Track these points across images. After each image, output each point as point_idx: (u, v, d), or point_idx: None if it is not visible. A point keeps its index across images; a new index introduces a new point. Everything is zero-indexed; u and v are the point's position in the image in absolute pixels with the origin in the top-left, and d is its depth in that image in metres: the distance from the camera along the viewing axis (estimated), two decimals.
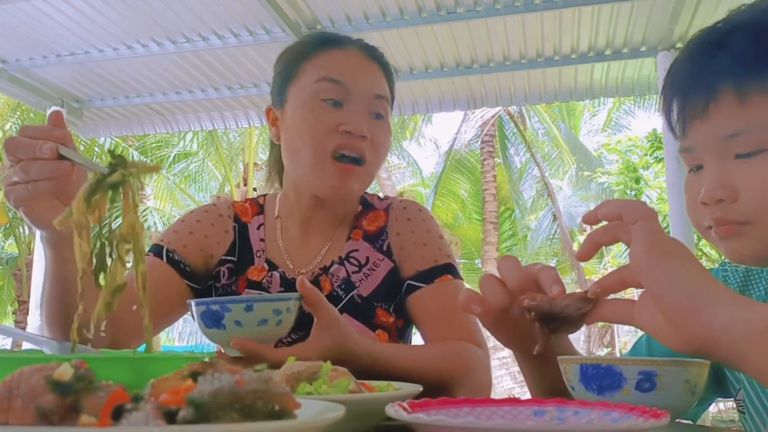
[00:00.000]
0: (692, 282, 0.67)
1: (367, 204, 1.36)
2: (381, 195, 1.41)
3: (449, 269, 1.27)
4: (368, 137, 1.20)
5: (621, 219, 0.71)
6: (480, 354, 1.19)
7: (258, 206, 1.37)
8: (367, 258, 1.29)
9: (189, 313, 1.03)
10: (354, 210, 1.34)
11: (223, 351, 1.01)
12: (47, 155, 0.85)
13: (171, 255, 1.25)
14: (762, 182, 0.80)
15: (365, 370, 1.01)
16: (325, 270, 1.27)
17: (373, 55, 1.30)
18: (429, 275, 1.25)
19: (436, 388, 1.09)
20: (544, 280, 0.78)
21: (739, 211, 0.82)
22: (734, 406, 1.02)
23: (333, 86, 1.21)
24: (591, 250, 0.75)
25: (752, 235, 0.83)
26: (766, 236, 0.83)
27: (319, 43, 1.28)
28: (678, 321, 0.67)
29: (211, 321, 0.91)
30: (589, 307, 0.75)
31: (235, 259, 1.31)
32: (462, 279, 1.29)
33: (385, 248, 1.30)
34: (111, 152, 0.72)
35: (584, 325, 0.78)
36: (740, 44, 0.81)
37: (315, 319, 0.99)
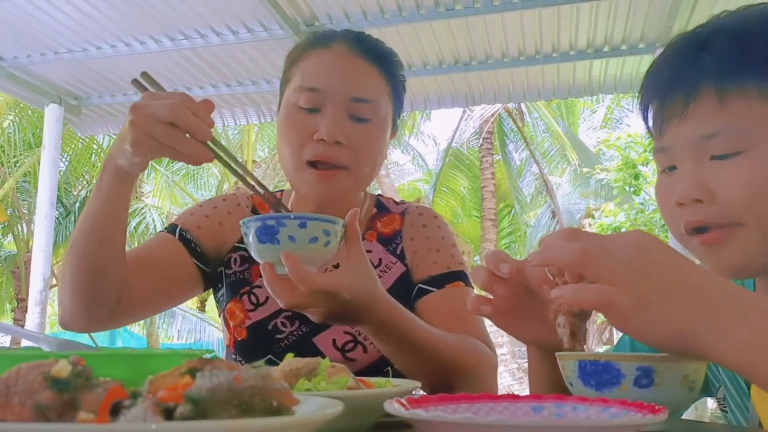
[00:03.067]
0: (685, 322, 0.61)
1: (382, 207, 1.36)
2: (396, 199, 1.42)
3: (461, 276, 1.27)
4: (344, 143, 1.17)
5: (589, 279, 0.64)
6: (491, 355, 1.19)
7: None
8: (380, 260, 1.29)
9: (242, 235, 0.99)
10: (369, 212, 1.34)
11: (266, 269, 0.98)
12: (201, 138, 0.93)
13: (184, 234, 1.25)
14: (743, 183, 0.79)
15: (388, 326, 1.00)
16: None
17: (361, 48, 1.24)
18: (440, 280, 1.25)
19: (444, 383, 1.08)
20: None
21: (723, 213, 0.80)
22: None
23: (310, 95, 1.19)
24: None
25: (741, 238, 0.80)
26: (754, 240, 0.79)
27: (308, 45, 1.26)
28: (676, 354, 0.65)
29: (266, 236, 0.93)
30: None
31: None
32: (473, 288, 1.28)
33: (398, 252, 1.30)
34: None
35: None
36: (722, 46, 0.81)
37: (347, 254, 0.99)
